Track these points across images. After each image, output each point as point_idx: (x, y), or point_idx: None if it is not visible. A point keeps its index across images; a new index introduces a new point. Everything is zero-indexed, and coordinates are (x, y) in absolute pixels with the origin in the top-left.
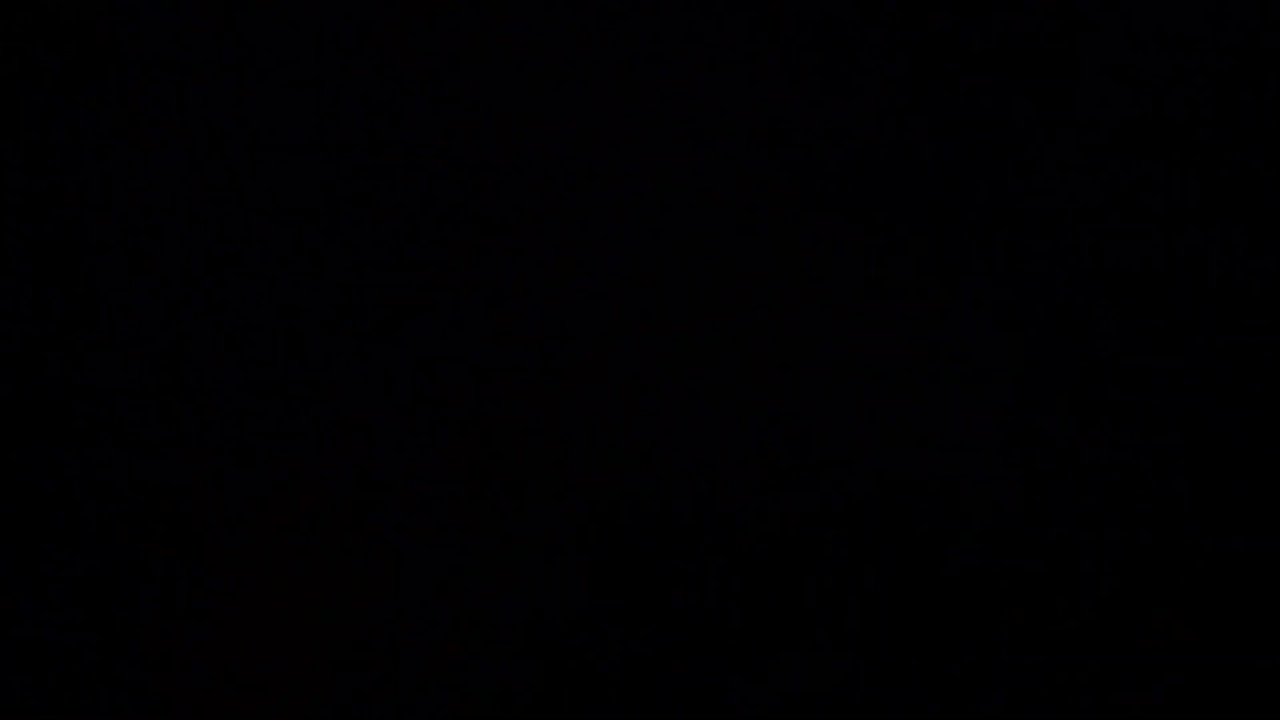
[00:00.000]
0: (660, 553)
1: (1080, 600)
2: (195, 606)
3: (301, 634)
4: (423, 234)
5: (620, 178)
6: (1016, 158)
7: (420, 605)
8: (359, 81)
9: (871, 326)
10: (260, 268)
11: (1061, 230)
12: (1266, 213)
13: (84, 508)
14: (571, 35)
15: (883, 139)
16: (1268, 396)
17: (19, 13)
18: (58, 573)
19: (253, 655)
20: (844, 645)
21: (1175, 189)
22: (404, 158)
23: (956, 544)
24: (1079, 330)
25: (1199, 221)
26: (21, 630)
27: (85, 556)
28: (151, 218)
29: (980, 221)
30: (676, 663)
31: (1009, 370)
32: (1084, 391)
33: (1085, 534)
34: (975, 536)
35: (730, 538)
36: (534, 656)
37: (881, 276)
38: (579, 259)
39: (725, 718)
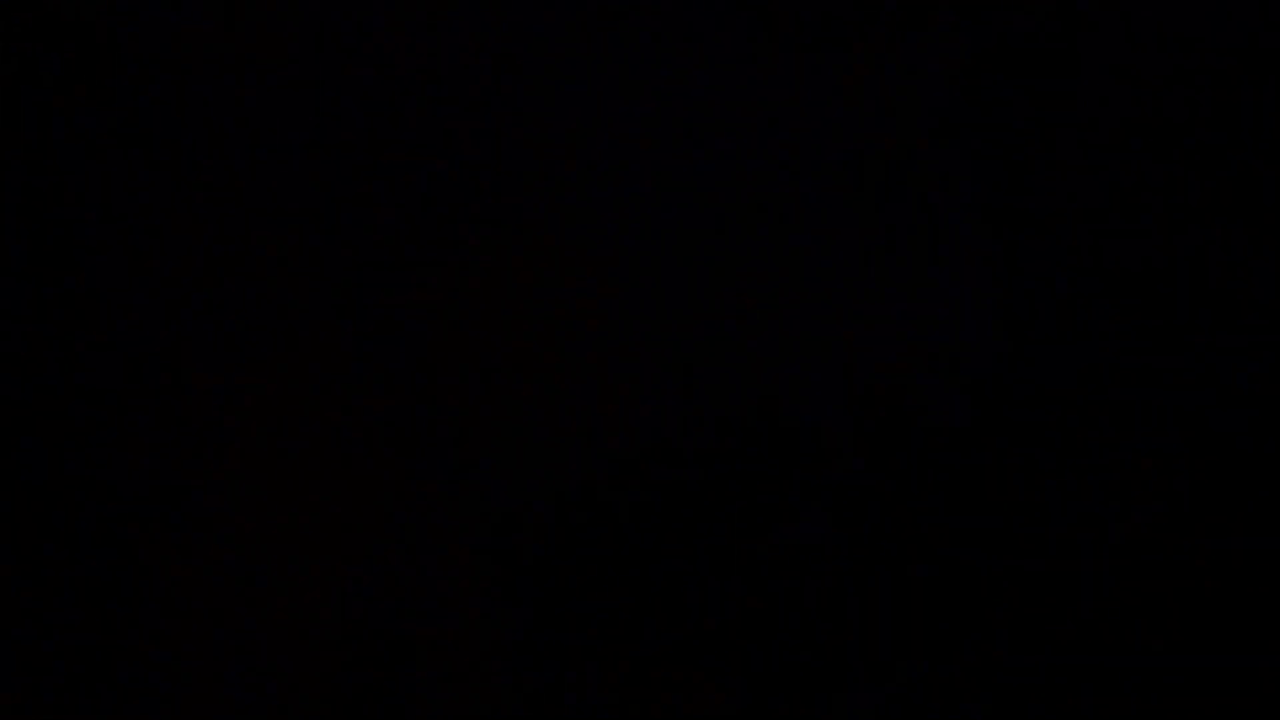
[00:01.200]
0: (654, 553)
1: (1080, 600)
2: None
3: (299, 632)
4: (421, 233)
5: (620, 177)
6: (1016, 158)
7: (416, 603)
8: (359, 81)
9: (871, 326)
10: (260, 268)
11: (1061, 230)
12: (1267, 213)
13: (84, 508)
14: (571, 35)
15: (883, 139)
16: (1268, 396)
17: (19, 13)
18: (58, 573)
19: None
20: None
21: (1175, 189)
22: (404, 158)
23: (955, 543)
24: (1079, 330)
25: (1199, 221)
26: (21, 630)
27: (85, 556)
28: (151, 218)
29: (980, 221)
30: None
31: (1009, 370)
32: (1084, 391)
33: (1085, 533)
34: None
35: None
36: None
37: (881, 275)
38: (576, 257)
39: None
